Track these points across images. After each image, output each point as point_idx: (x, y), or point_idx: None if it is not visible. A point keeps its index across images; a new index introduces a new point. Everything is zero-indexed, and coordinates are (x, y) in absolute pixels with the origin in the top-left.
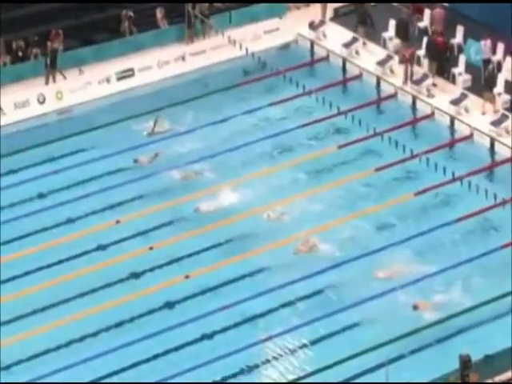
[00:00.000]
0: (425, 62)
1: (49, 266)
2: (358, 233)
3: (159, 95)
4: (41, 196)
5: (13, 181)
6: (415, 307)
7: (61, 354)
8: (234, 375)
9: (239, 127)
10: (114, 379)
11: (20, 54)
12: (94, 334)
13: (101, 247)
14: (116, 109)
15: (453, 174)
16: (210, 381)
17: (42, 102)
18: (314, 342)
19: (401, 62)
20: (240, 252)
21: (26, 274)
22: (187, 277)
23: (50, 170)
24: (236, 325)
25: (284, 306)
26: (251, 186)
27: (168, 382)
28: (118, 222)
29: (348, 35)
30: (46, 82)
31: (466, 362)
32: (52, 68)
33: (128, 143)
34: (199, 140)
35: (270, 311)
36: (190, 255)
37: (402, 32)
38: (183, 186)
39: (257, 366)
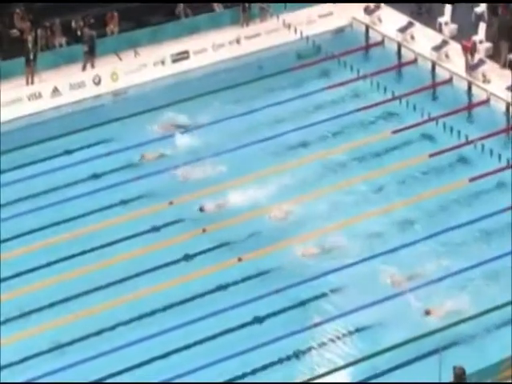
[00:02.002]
0: (481, 47)
1: (103, 246)
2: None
3: (213, 78)
4: (95, 176)
5: (69, 161)
6: (427, 312)
7: (116, 334)
8: (282, 360)
9: (292, 111)
10: (173, 358)
11: (79, 33)
12: (151, 313)
13: (155, 228)
14: (170, 91)
15: (507, 160)
16: (261, 365)
17: (97, 83)
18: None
19: (465, 51)
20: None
21: (83, 252)
22: (240, 260)
23: (104, 151)
24: (286, 309)
25: (333, 291)
26: (307, 168)
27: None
28: (171, 203)
29: (403, 20)
30: (83, 69)
31: (460, 375)
32: (91, 55)
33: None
34: (250, 122)
35: (317, 297)
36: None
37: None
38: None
39: (306, 351)
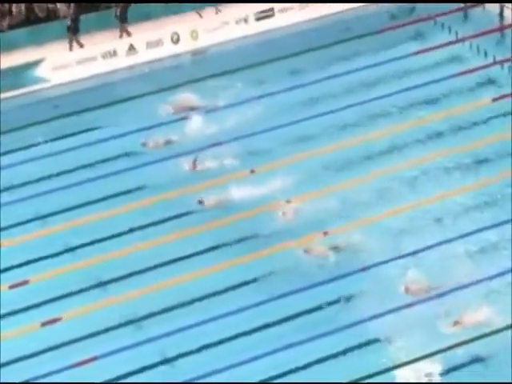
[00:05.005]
0: None
1: (158, 222)
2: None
3: (298, 38)
4: (168, 143)
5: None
6: (455, 323)
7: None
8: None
9: (376, 77)
10: (251, 338)
11: None
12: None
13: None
14: (253, 50)
15: None
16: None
17: (175, 41)
18: None
19: None
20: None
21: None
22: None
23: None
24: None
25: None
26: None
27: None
28: (252, 171)
29: None
30: (120, 36)
31: None
32: (122, 23)
33: (263, 88)
34: (332, 88)
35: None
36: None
37: None
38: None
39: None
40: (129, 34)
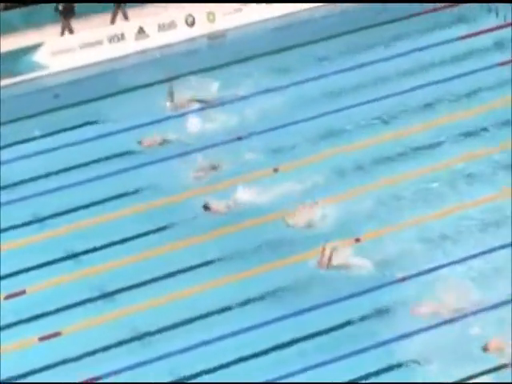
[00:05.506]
0: None
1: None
2: None
3: (325, 21)
4: (179, 139)
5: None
6: (485, 348)
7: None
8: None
9: (416, 65)
10: (268, 358)
11: None
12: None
13: None
14: (276, 35)
15: None
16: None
17: (190, 24)
18: None
19: None
20: None
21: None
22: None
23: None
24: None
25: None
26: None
27: None
28: (275, 170)
29: None
30: (112, 22)
31: None
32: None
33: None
34: (365, 76)
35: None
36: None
37: None
38: None
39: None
40: (126, 17)
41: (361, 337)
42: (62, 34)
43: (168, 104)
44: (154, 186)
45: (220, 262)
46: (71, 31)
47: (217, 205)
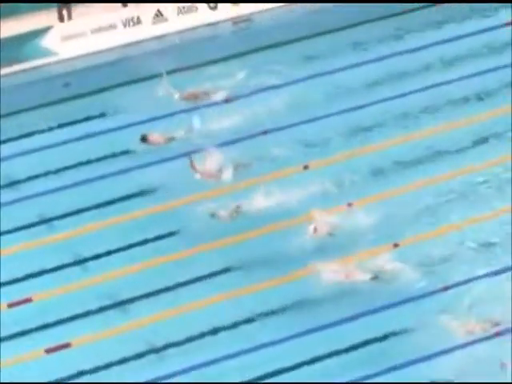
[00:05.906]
0: None
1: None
2: None
3: (362, 4)
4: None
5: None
6: (503, 365)
7: None
8: None
9: (459, 54)
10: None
11: None
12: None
13: None
14: (306, 19)
15: None
16: None
17: (213, 7)
18: None
19: None
20: None
21: None
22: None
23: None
24: None
25: None
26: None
27: None
28: (306, 167)
29: None
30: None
31: None
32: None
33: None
34: (404, 65)
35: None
36: None
37: None
38: None
39: None
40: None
41: (386, 355)
42: (61, 19)
43: (181, 95)
44: (166, 185)
45: (240, 270)
46: (70, 16)
47: (248, 204)
